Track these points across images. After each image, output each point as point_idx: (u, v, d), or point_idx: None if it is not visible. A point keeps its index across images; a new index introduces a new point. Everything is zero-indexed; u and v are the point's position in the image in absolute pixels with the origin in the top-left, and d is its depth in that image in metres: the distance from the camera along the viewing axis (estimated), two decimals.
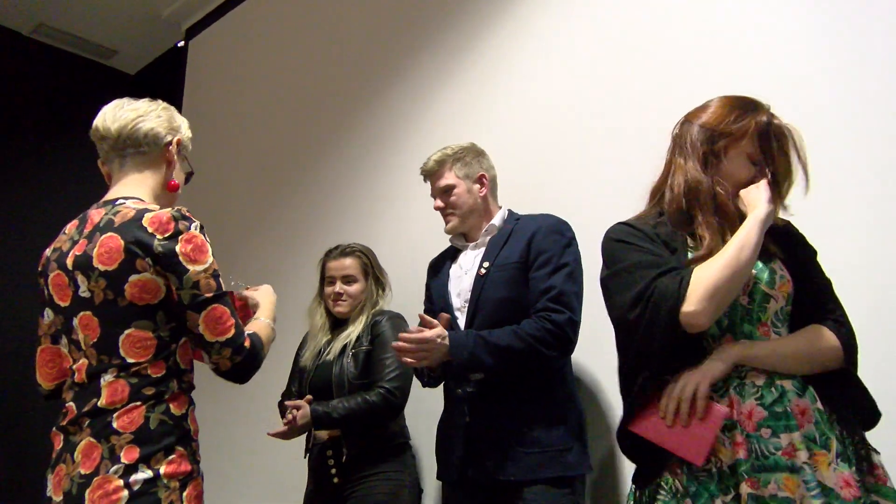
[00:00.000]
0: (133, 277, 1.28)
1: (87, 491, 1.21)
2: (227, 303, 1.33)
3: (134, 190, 1.42)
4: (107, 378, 1.28)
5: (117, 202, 1.38)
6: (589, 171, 2.14)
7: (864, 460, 1.17)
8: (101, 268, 1.29)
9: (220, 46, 4.14)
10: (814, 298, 1.29)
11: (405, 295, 2.34)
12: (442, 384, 1.89)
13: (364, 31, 3.13)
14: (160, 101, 1.53)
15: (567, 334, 1.66)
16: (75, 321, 1.32)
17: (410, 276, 2.47)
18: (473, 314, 1.78)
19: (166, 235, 1.29)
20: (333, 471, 2.03)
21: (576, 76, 2.26)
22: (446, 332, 1.66)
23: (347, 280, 2.20)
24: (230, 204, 3.65)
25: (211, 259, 1.32)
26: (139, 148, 1.44)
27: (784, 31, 1.84)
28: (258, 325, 1.47)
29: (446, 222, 1.94)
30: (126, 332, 1.29)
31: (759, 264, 1.29)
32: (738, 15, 1.93)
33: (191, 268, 1.29)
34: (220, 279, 1.33)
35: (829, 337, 1.25)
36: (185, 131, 1.54)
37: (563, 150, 2.23)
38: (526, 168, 2.30)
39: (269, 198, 3.42)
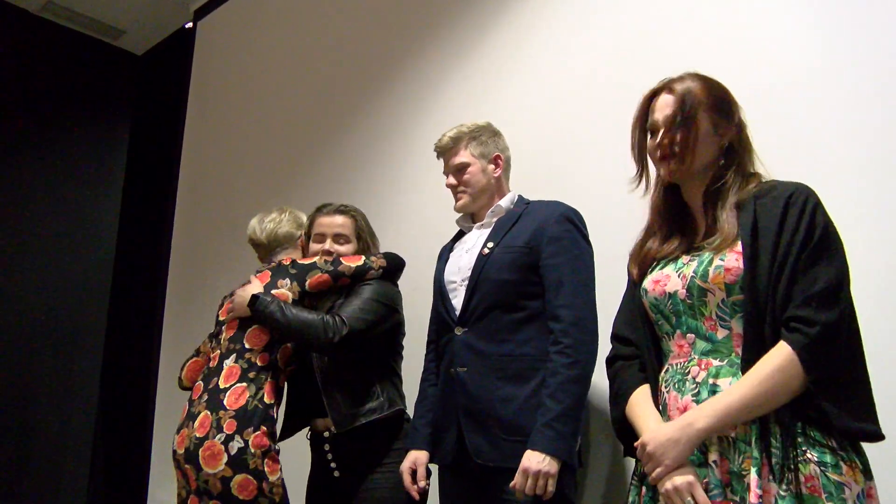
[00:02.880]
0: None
1: (200, 450, 1.74)
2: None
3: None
4: (228, 362, 1.86)
5: (272, 261, 2.09)
6: (604, 162, 2.11)
7: (790, 471, 1.10)
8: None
9: (229, 28, 4.10)
10: (771, 288, 1.16)
11: (413, 280, 2.32)
12: (434, 371, 1.89)
13: (376, 13, 3.09)
14: (286, 209, 2.20)
15: (586, 357, 1.63)
16: (224, 326, 1.97)
17: (421, 260, 2.45)
18: (472, 293, 1.75)
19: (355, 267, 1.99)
20: (333, 465, 1.96)
21: (592, 66, 2.22)
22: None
23: (339, 239, 2.05)
24: (238, 188, 3.63)
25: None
26: (284, 245, 2.13)
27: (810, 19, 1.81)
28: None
29: (456, 200, 1.90)
30: (252, 327, 1.89)
31: (689, 257, 1.28)
32: (751, 4, 1.89)
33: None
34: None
35: (782, 370, 1.11)
36: (306, 223, 2.15)
37: (578, 138, 2.19)
38: (538, 155, 2.27)
39: (277, 182, 3.40)
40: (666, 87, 1.35)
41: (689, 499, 1.13)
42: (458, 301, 1.80)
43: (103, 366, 4.33)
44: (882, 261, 1.57)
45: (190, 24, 4.43)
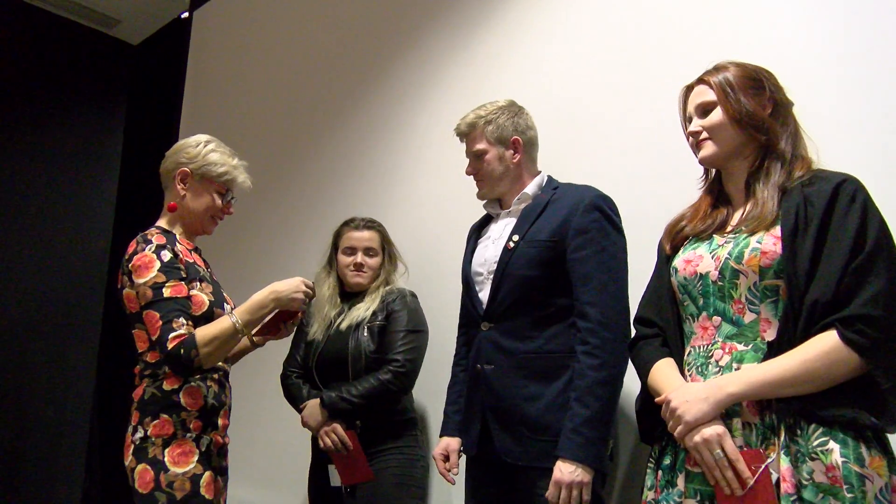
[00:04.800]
0: (123, 292, 1.70)
1: (124, 446, 1.69)
2: (161, 308, 1.62)
3: (160, 220, 1.83)
4: (137, 366, 1.73)
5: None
6: (603, 151, 2.11)
7: (813, 461, 1.10)
8: (118, 286, 1.73)
9: (225, 17, 4.08)
10: (817, 283, 1.14)
11: (413, 271, 2.33)
12: (463, 358, 1.87)
13: (373, 2, 3.07)
14: (204, 136, 1.87)
15: (615, 357, 1.55)
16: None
17: (417, 252, 2.46)
18: (497, 288, 1.70)
19: (128, 255, 1.69)
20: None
21: (587, 56, 2.21)
22: None
23: (369, 252, 2.20)
24: None
25: (153, 274, 1.64)
26: (165, 184, 1.84)
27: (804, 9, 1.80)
28: (217, 321, 1.68)
29: (478, 188, 1.85)
30: (133, 331, 1.72)
31: (725, 239, 1.28)
32: None
33: (136, 280, 1.65)
34: (164, 289, 1.63)
35: (828, 355, 1.10)
36: (203, 159, 1.81)
37: (574, 129, 2.19)
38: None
39: (275, 174, 3.39)
40: (700, 78, 1.39)
41: (719, 450, 1.13)
42: (484, 294, 1.74)
43: (99, 355, 4.33)
44: None
45: (186, 14, 4.40)
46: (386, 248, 2.25)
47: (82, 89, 4.57)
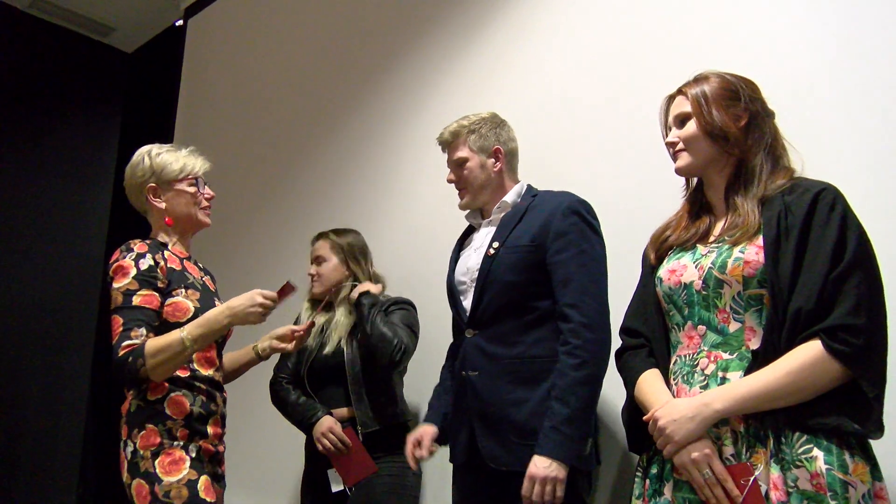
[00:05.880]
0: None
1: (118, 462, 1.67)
2: (126, 315, 1.62)
3: (154, 233, 1.82)
4: None
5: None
6: (604, 154, 2.11)
7: (797, 468, 1.11)
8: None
9: (220, 25, 4.09)
10: (799, 292, 1.15)
11: (407, 278, 2.34)
12: (452, 367, 1.87)
13: (369, 8, 3.08)
14: (144, 148, 1.82)
15: (596, 357, 1.57)
16: None
17: (412, 259, 2.46)
18: (480, 295, 1.71)
19: (111, 261, 1.71)
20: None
21: (589, 59, 2.21)
22: None
23: (318, 261, 2.26)
24: (229, 187, 3.61)
25: (128, 280, 1.65)
26: (142, 208, 1.83)
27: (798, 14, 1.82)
28: (168, 334, 1.63)
29: (460, 198, 1.87)
30: None
31: (708, 248, 1.29)
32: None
33: (113, 285, 1.67)
34: (135, 297, 1.63)
35: (812, 366, 1.11)
36: (156, 166, 1.78)
37: (576, 131, 2.18)
38: (533, 150, 2.26)
39: (269, 182, 3.39)
40: (679, 89, 1.40)
41: (707, 470, 1.14)
42: (467, 302, 1.76)
43: (93, 364, 4.32)
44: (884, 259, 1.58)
45: (180, 22, 4.41)
46: (340, 254, 2.24)
47: (77, 97, 4.57)
